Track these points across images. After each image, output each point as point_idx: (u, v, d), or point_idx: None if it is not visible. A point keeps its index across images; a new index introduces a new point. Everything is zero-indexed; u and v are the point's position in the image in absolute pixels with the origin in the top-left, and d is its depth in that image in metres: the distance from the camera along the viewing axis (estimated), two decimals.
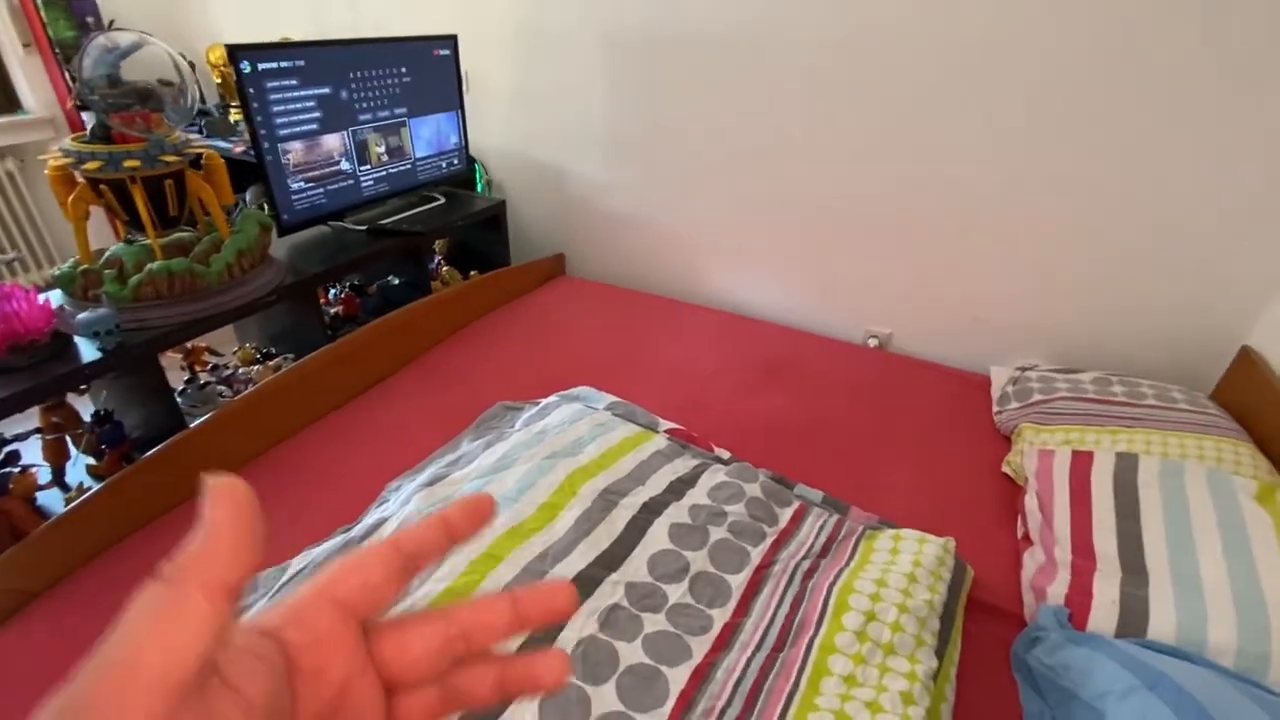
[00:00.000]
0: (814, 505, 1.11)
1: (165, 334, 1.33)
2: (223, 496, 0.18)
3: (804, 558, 0.98)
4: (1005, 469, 1.28)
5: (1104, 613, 0.90)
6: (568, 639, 0.82)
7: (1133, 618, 0.89)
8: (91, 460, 1.43)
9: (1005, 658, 0.94)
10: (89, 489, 1.20)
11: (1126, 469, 1.07)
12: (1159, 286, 1.48)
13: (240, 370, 1.67)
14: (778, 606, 0.90)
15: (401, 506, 1.05)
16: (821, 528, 1.04)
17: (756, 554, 0.98)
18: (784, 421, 1.44)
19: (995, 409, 1.43)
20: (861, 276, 1.82)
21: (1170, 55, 1.30)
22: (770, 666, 0.81)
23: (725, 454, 1.26)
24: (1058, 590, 0.95)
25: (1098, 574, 0.95)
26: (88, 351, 1.25)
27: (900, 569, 0.90)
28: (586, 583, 0.90)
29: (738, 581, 0.94)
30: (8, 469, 1.34)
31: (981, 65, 1.46)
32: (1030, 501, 1.12)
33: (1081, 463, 1.11)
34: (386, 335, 1.59)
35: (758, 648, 0.84)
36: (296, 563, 0.98)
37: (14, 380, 1.16)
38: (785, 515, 1.07)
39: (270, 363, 1.68)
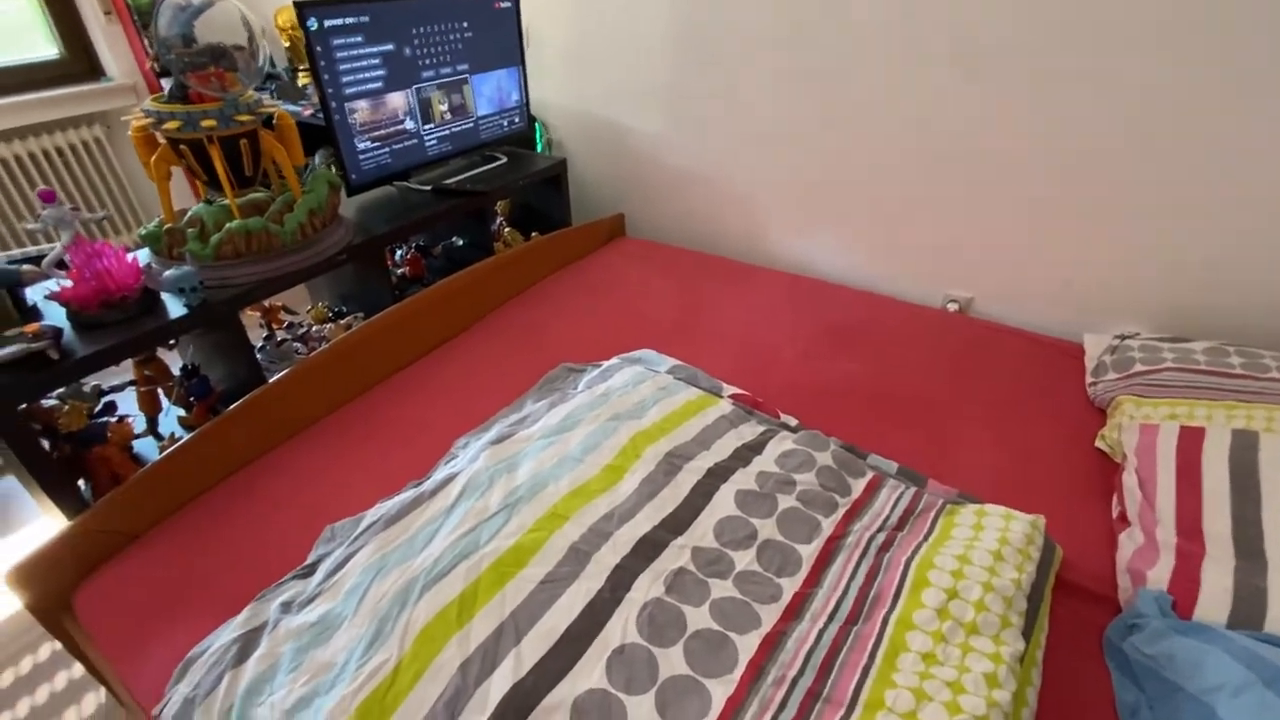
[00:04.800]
0: (889, 476, 1.06)
1: (245, 292, 1.37)
2: None
3: (879, 530, 0.94)
4: (1099, 444, 1.19)
5: (1214, 601, 0.83)
6: (634, 600, 0.82)
7: (1248, 608, 0.81)
8: (182, 411, 1.51)
9: (1096, 643, 0.88)
10: (180, 439, 1.27)
11: (1245, 447, 0.97)
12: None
13: (314, 328, 1.72)
14: (850, 578, 0.86)
15: (470, 463, 1.06)
16: (898, 500, 0.99)
17: (828, 524, 0.94)
18: (855, 388, 1.38)
19: (1089, 379, 1.33)
20: (940, 237, 1.71)
21: None
22: (844, 639, 0.78)
23: (793, 421, 1.22)
24: (1159, 575, 0.88)
25: (1207, 559, 0.87)
26: (174, 308, 1.30)
27: (985, 546, 0.85)
28: (652, 545, 0.89)
29: (808, 551, 0.91)
30: (106, 418, 1.43)
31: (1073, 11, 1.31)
32: (1129, 479, 1.04)
33: (1191, 439, 1.02)
34: (452, 296, 1.60)
35: (830, 619, 0.81)
36: (370, 514, 1.01)
37: (108, 334, 1.22)
38: (858, 486, 1.02)
39: (342, 321, 1.72)
